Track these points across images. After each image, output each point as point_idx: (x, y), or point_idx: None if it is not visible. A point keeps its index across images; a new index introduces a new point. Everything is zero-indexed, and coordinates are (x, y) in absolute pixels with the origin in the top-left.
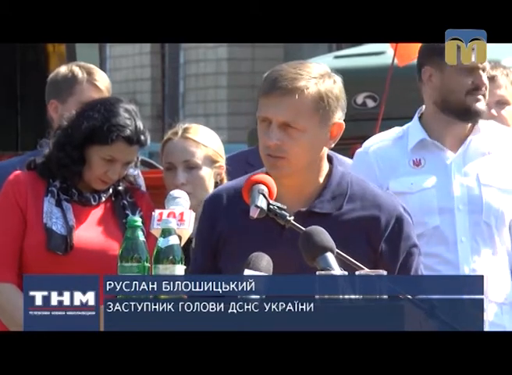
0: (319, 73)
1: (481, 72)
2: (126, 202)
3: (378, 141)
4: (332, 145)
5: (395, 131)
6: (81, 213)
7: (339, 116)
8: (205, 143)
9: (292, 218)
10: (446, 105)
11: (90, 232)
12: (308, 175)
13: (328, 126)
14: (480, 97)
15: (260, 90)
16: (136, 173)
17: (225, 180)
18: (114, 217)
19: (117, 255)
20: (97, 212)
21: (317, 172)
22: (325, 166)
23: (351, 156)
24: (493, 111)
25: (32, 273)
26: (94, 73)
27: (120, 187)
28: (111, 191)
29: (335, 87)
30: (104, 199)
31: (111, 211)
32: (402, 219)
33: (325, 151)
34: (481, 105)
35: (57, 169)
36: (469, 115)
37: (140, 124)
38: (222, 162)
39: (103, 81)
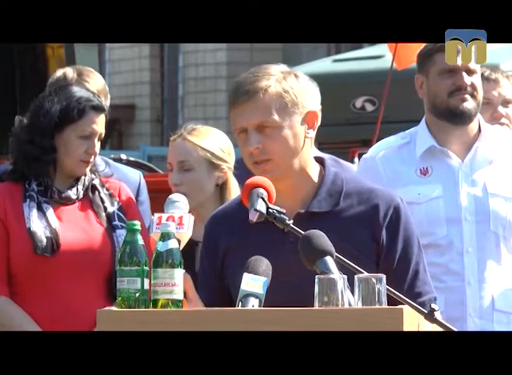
0: (279, 71)
1: (463, 73)
2: (103, 196)
3: (385, 148)
4: (313, 135)
5: (401, 136)
6: (62, 213)
7: (310, 105)
8: (204, 145)
9: (291, 222)
10: (436, 110)
11: (73, 230)
12: (298, 174)
13: (301, 117)
14: (466, 96)
15: (228, 104)
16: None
17: (230, 183)
18: (94, 212)
19: (102, 250)
20: (77, 210)
21: (306, 169)
22: (315, 166)
23: (351, 159)
24: (501, 109)
25: (21, 278)
26: (85, 74)
27: (95, 182)
28: (87, 182)
29: (298, 80)
30: (82, 193)
31: (90, 206)
32: (399, 208)
33: (309, 146)
34: (468, 105)
35: (27, 166)
36: (456, 116)
37: (93, 92)
38: (226, 165)
39: (95, 83)
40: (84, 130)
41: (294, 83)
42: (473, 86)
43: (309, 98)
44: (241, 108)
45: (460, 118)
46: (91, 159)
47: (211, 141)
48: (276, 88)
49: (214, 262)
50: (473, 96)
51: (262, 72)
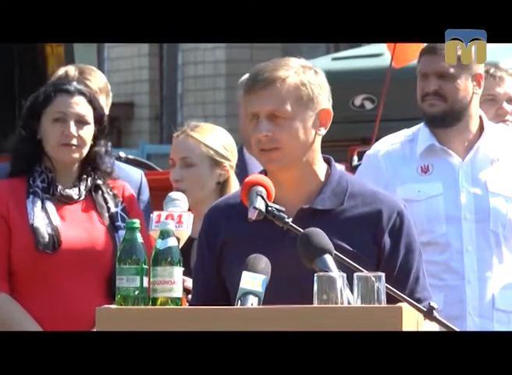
0: (299, 64)
1: (432, 78)
2: (106, 196)
3: (389, 145)
4: (324, 133)
5: (405, 133)
6: (65, 211)
7: (325, 103)
8: (207, 142)
9: (290, 220)
10: None
11: (75, 229)
12: (304, 168)
13: (315, 113)
14: (433, 102)
15: (243, 91)
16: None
17: (231, 182)
18: (96, 212)
19: (103, 250)
20: (80, 209)
21: (313, 166)
22: (322, 163)
23: (350, 158)
24: (506, 105)
25: (22, 275)
26: (87, 72)
27: (99, 181)
28: (89, 183)
29: (316, 76)
30: (85, 193)
31: (93, 206)
32: (403, 214)
33: (319, 143)
34: (435, 109)
35: (25, 164)
36: (430, 120)
37: (75, 81)
38: (228, 163)
39: (96, 81)
40: (55, 112)
41: (313, 79)
42: (443, 90)
43: (325, 96)
44: (256, 95)
45: (434, 122)
46: (72, 141)
47: (214, 138)
48: (294, 80)
49: (213, 251)
50: (443, 100)
51: (282, 62)
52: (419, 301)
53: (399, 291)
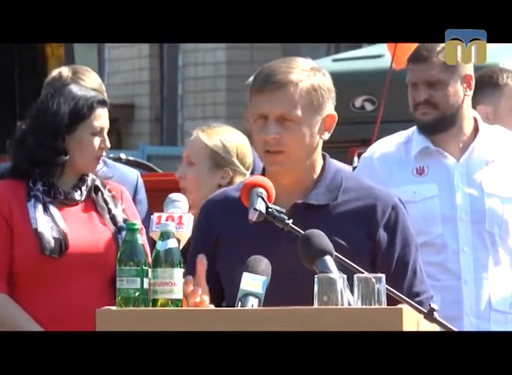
0: (309, 66)
1: (422, 87)
2: (106, 197)
3: (384, 147)
4: (327, 137)
5: (400, 136)
6: (66, 214)
7: (331, 108)
8: (209, 143)
9: (290, 221)
10: None
11: (79, 231)
12: (305, 171)
13: (322, 118)
14: (425, 110)
15: (252, 89)
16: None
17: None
18: (97, 212)
19: (107, 251)
20: (81, 211)
21: (312, 167)
22: (320, 161)
23: (351, 159)
24: None
25: (25, 277)
26: (81, 73)
27: (97, 183)
28: (90, 183)
29: (325, 79)
30: (85, 194)
31: (93, 208)
32: (398, 208)
33: (321, 147)
34: (428, 118)
35: (32, 168)
36: (423, 128)
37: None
38: (232, 167)
39: (91, 82)
40: (95, 125)
41: (323, 83)
42: (433, 98)
43: (332, 101)
44: (267, 96)
45: (427, 129)
46: (104, 154)
47: (218, 140)
48: (306, 84)
49: (207, 245)
50: (435, 107)
51: (294, 64)
52: (418, 294)
53: (397, 286)
